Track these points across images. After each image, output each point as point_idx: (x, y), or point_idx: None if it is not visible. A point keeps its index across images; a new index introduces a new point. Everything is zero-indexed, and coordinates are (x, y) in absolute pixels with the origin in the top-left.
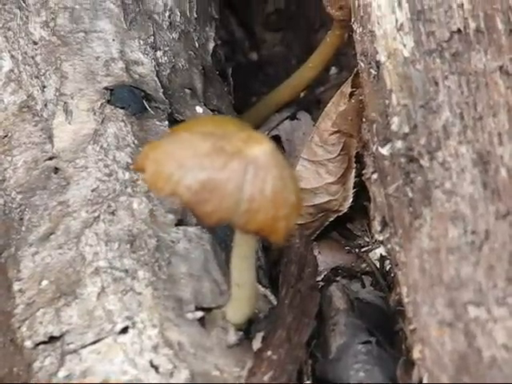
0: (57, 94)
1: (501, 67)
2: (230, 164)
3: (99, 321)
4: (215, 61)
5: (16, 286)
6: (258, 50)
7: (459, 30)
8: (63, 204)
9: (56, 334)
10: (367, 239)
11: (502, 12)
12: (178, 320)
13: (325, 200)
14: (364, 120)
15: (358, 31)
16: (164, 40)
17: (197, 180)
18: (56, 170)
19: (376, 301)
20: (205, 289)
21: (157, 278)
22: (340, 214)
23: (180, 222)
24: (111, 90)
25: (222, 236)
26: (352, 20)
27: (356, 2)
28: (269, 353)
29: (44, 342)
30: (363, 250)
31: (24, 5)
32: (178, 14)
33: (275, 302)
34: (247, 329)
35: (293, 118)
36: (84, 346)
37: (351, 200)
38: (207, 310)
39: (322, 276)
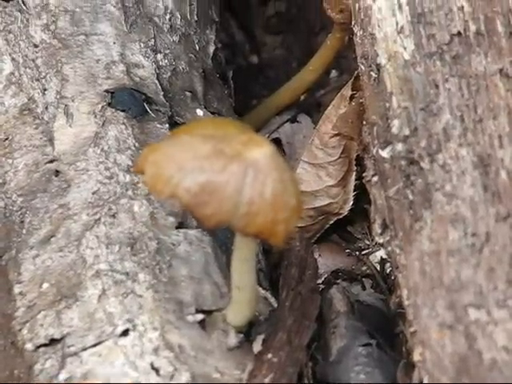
0: (57, 96)
1: (501, 70)
2: (229, 167)
3: (100, 323)
4: (216, 64)
5: (17, 289)
6: (259, 52)
7: (459, 33)
8: (64, 207)
9: (57, 336)
10: (367, 242)
11: (502, 15)
12: (178, 322)
13: (325, 203)
14: (364, 123)
15: (358, 34)
16: (164, 43)
17: (196, 182)
18: (57, 172)
19: (376, 303)
20: (205, 291)
21: (157, 281)
22: (340, 216)
23: (181, 225)
24: (112, 92)
25: (222, 239)
26: (352, 23)
27: (356, 4)
28: (269, 355)
29: (45, 345)
30: (363, 252)
31: (25, 8)
32: (179, 16)
33: (276, 305)
34: (248, 331)
35: (293, 120)
36: (85, 349)
37: (351, 203)
38: (208, 312)
39: (323, 279)
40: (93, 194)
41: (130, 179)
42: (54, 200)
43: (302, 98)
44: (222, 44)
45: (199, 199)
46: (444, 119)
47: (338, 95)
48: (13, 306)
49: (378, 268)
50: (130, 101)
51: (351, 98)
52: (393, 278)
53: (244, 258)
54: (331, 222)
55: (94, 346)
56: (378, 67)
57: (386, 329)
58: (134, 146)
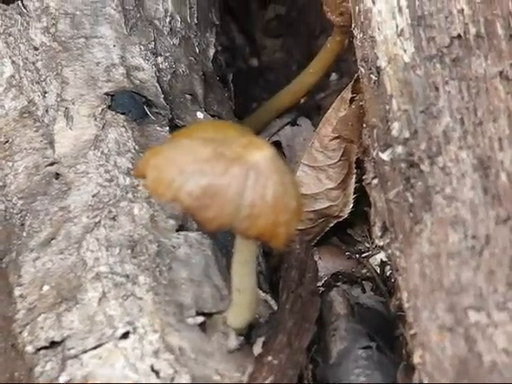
0: (58, 99)
1: (501, 72)
2: (230, 170)
3: (100, 326)
4: (216, 67)
5: (17, 292)
6: (259, 56)
7: (459, 36)
8: (64, 209)
9: (57, 339)
10: (367, 245)
11: (502, 17)
12: (178, 325)
13: (325, 205)
14: (364, 125)
15: (358, 37)
16: (165, 46)
17: (198, 186)
18: (57, 175)
19: (376, 306)
20: (206, 294)
21: (158, 284)
22: (340, 219)
23: (181, 228)
24: (112, 95)
25: (222, 241)
26: (352, 26)
27: (356, 7)
28: (269, 358)
29: (45, 347)
30: (364, 255)
31: (25, 11)
32: (179, 19)
33: (276, 308)
34: (248, 334)
35: (293, 123)
36: (85, 351)
37: (351, 205)
38: (208, 315)
39: (323, 281)
40: (93, 196)
41: (130, 182)
42: (54, 203)
43: (302, 100)
44: (222, 47)
45: (201, 202)
46: (444, 122)
47: (338, 98)
48: (13, 308)
49: (378, 271)
50: (130, 104)
51: (351, 100)
52: (393, 280)
53: (244, 261)
54: (331, 224)
55: (95, 348)
56: (378, 70)
57: (386, 331)
58: (134, 148)
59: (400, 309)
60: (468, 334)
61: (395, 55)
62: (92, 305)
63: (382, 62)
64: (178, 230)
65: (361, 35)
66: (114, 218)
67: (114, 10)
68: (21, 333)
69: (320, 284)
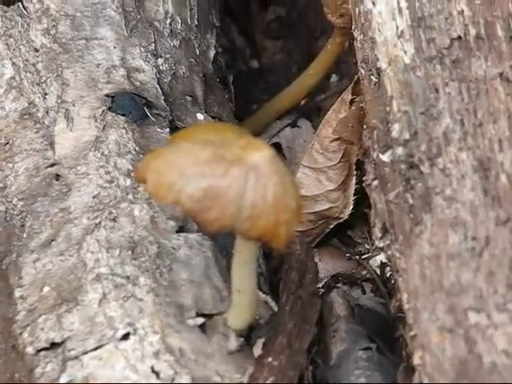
0: (58, 101)
1: (501, 74)
2: (230, 171)
3: (100, 327)
4: (216, 68)
5: (17, 293)
6: (259, 57)
7: (459, 37)
8: (64, 211)
9: (57, 340)
10: (368, 246)
11: (502, 19)
12: (179, 326)
13: (325, 207)
14: (365, 127)
15: (358, 38)
16: (165, 47)
17: (198, 188)
18: (57, 176)
19: (376, 307)
20: (206, 295)
21: (158, 285)
22: (340, 220)
23: (181, 229)
24: (112, 97)
25: (222, 242)
26: (353, 27)
27: (357, 9)
28: (269, 359)
29: (45, 349)
30: (364, 256)
31: (25, 12)
32: (179, 21)
33: (276, 309)
34: (248, 335)
35: (293, 125)
36: (85, 353)
37: (352, 207)
38: (208, 316)
39: (323, 283)
40: (93, 197)
41: (130, 183)
42: (54, 204)
43: (303, 102)
44: (222, 49)
45: (202, 205)
46: (444, 123)
47: (339, 100)
48: (14, 309)
49: (378, 272)
50: (130, 105)
51: (351, 102)
52: (393, 281)
53: (244, 262)
54: (331, 226)
55: (95, 349)
56: (379, 71)
57: (386, 333)
58: (135, 150)
59: (400, 310)
60: (468, 335)
61: (395, 57)
62: (92, 306)
63: (382, 64)
64: (178, 232)
65: (361, 37)
66: (114, 220)
67: (115, 11)
68: (21, 334)
69: (320, 285)
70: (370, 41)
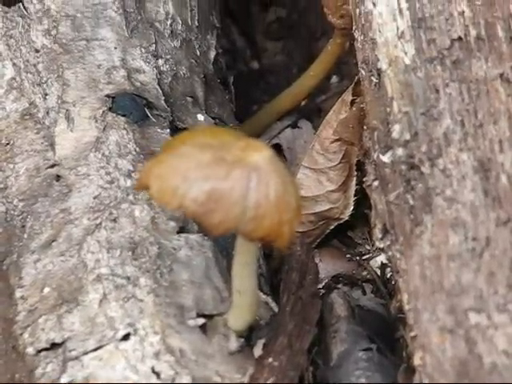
0: (59, 101)
1: (501, 75)
2: (232, 173)
3: (101, 327)
4: (216, 69)
5: (18, 293)
6: (259, 58)
7: (460, 38)
8: (65, 211)
9: (58, 340)
10: (368, 247)
11: (502, 20)
12: (179, 327)
13: (326, 208)
14: (365, 128)
15: (359, 39)
16: (165, 48)
17: (202, 191)
18: (58, 177)
19: (377, 308)
20: (206, 296)
21: (158, 285)
22: (341, 221)
23: (182, 230)
24: (113, 97)
25: (223, 243)
26: (353, 28)
27: (357, 10)
28: (270, 359)
29: (46, 349)
30: (364, 257)
31: (26, 13)
32: (180, 22)
33: (276, 309)
34: (248, 336)
35: (294, 126)
36: (86, 353)
37: (352, 208)
38: (209, 316)
39: (323, 283)
40: (94, 198)
41: (130, 184)
42: (55, 205)
43: (303, 103)
44: (222, 49)
45: (206, 208)
46: (444, 124)
47: (339, 100)
48: (14, 310)
49: (379, 273)
50: (131, 106)
51: (352, 103)
52: (393, 282)
53: (245, 263)
54: (332, 227)
55: (95, 350)
56: (379, 72)
57: (387, 333)
58: (135, 150)
59: (400, 311)
60: (468, 335)
61: (396, 57)
62: (93, 306)
63: (383, 65)
64: (178, 232)
65: (361, 37)
66: (114, 220)
67: (115, 12)
68: (22, 334)
69: (320, 286)
70: (370, 42)
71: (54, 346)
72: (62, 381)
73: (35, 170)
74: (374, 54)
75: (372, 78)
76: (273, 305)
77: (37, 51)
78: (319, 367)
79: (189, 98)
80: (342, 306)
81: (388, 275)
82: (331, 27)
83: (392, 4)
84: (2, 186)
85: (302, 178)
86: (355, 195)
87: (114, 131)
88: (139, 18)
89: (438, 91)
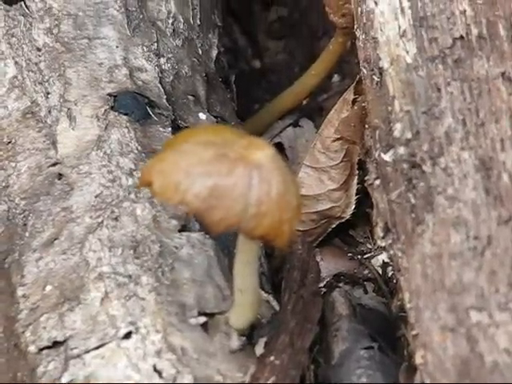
0: (60, 100)
1: (503, 73)
2: (235, 170)
3: (103, 326)
4: (218, 68)
5: (20, 292)
6: (261, 57)
7: (462, 37)
8: (67, 210)
9: (60, 338)
10: (369, 246)
11: (504, 18)
12: (181, 325)
13: (327, 207)
14: (367, 126)
15: (360, 38)
16: (167, 47)
17: (204, 187)
18: (60, 175)
19: (378, 307)
20: (208, 294)
21: (160, 284)
22: (342, 220)
23: (183, 228)
24: (115, 96)
25: (225, 242)
26: (355, 27)
27: (359, 8)
28: (271, 358)
29: (48, 347)
30: (365, 256)
31: (28, 11)
32: (182, 21)
33: (278, 308)
34: (250, 334)
35: (295, 125)
36: (87, 351)
37: (353, 206)
38: (210, 315)
39: (325, 282)
40: (96, 197)
41: (132, 182)
42: (56, 203)
43: (305, 102)
44: (224, 48)
45: (208, 204)
46: (446, 123)
47: (341, 99)
48: (16, 308)
49: (380, 271)
50: (132, 104)
51: (353, 102)
52: (395, 281)
53: (247, 261)
54: (333, 225)
55: (97, 348)
56: (381, 71)
57: (388, 332)
58: (137, 149)
59: (402, 309)
60: (470, 334)
61: (397, 56)
62: (94, 305)
63: (385, 63)
64: (180, 231)
65: (363, 36)
66: (116, 219)
67: (117, 11)
68: (23, 333)
69: (322, 285)
70: (372, 40)
71: (55, 344)
72: (64, 379)
73: (37, 168)
74: (375, 52)
75: (374, 76)
76: (274, 303)
77: (39, 50)
78: (321, 366)
79: (190, 97)
80: (343, 304)
81: (389, 274)
82: (333, 26)
83: (394, 3)
84: (3, 184)
85: (303, 177)
86: (357, 194)
87: (116, 130)
88: (141, 16)
89: (439, 90)
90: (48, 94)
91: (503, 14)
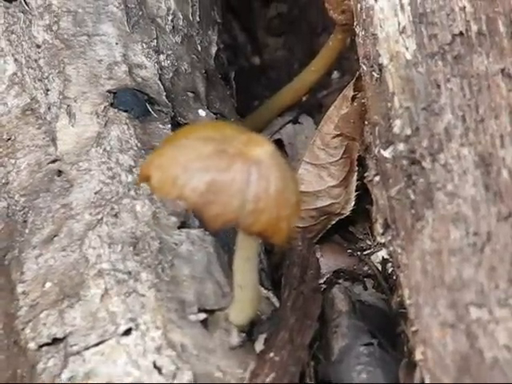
0: (60, 97)
1: (502, 70)
2: (234, 165)
3: (102, 322)
4: (218, 64)
5: (20, 288)
6: (261, 54)
7: (461, 33)
8: (66, 206)
9: (59, 335)
10: (369, 242)
11: (503, 15)
12: (180, 322)
13: (327, 203)
14: (366, 123)
15: (360, 34)
16: (167, 43)
17: (202, 182)
18: (59, 172)
19: (378, 303)
20: (208, 291)
21: (160, 280)
22: (342, 216)
23: (183, 225)
24: (114, 93)
25: (224, 238)
26: (354, 23)
27: (358, 5)
28: (271, 354)
29: (47, 344)
30: (365, 252)
31: (27, 8)
32: (181, 17)
33: (278, 304)
34: (250, 330)
35: (295, 121)
36: (87, 348)
37: (353, 203)
38: (210, 311)
39: (325, 278)
40: (95, 193)
41: (132, 179)
42: (56, 200)
43: (304, 98)
44: (224, 45)
45: (205, 199)
46: (446, 119)
47: (340, 96)
48: (16, 305)
49: (380, 268)
50: (132, 101)
51: (353, 98)
52: (394, 277)
53: (246, 257)
54: (333, 222)
55: (97, 345)
56: (380, 67)
57: (388, 328)
58: (137, 146)
59: (401, 306)
60: (469, 330)
61: (397, 52)
62: (94, 301)
63: (384, 60)
64: (179, 227)
65: (363, 33)
66: (116, 215)
67: (117, 7)
68: (23, 329)
69: (322, 281)
70: (371, 37)
71: (55, 340)
72: (64, 376)
73: (37, 165)
74: (375, 49)
75: (373, 73)
76: (274, 300)
77: (38, 47)
78: (320, 362)
79: (190, 94)
80: (343, 300)
81: (389, 270)
82: (332, 23)
83: None
84: (3, 181)
85: (303, 174)
86: (356, 190)
87: (116, 126)
88: (140, 13)
89: (439, 86)
90: (47, 90)
91: (503, 11)
